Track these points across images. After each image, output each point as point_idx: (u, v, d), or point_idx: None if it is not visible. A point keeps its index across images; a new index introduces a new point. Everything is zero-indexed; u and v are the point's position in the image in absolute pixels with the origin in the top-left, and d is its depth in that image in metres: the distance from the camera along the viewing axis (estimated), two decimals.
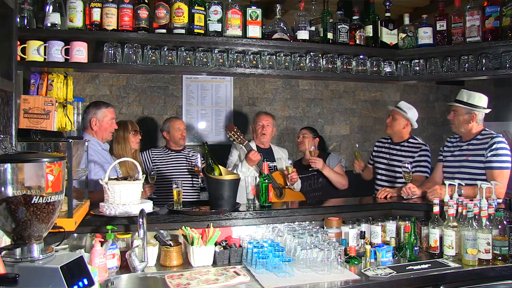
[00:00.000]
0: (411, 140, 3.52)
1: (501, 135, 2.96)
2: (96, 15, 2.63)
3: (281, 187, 3.61)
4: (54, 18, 2.55)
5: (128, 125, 3.44)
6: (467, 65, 3.03)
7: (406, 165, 3.03)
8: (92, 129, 2.96)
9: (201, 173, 3.43)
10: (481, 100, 2.97)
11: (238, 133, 3.48)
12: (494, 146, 2.85)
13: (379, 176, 3.61)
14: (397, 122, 3.48)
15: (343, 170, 3.87)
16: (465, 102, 2.97)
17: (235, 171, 3.43)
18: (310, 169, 3.66)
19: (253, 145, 3.70)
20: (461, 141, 3.07)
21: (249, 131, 4.09)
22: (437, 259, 2.42)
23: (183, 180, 3.51)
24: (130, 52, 2.69)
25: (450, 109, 3.07)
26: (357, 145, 3.73)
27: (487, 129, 3.01)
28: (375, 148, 3.73)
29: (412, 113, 3.49)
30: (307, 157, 3.70)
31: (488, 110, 2.99)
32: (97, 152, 2.93)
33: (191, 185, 3.81)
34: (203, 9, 2.81)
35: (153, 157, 3.84)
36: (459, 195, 2.60)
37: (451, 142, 3.17)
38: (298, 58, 3.00)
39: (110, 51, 2.65)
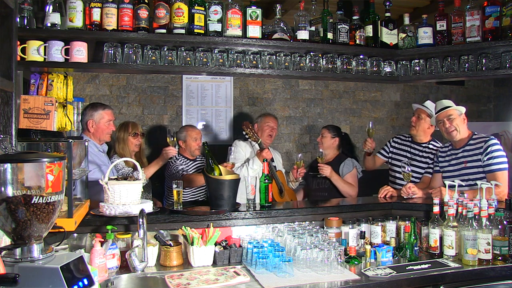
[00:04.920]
0: (432, 142, 3.50)
1: (492, 136, 3.00)
2: (96, 15, 2.63)
3: (281, 186, 3.64)
4: (54, 18, 2.55)
5: (129, 127, 3.44)
6: (467, 65, 3.02)
7: (405, 166, 3.05)
8: (89, 130, 2.97)
9: None
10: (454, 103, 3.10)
11: (253, 131, 3.55)
12: (489, 149, 2.88)
13: (397, 174, 3.54)
14: (422, 121, 3.46)
15: (356, 179, 3.73)
16: (453, 106, 3.03)
17: (244, 168, 3.45)
18: (318, 175, 3.64)
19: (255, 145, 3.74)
20: (454, 148, 3.08)
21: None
22: (437, 259, 2.42)
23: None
24: (130, 52, 2.69)
25: (440, 119, 3.05)
26: (370, 124, 3.62)
27: (476, 133, 3.05)
28: (394, 144, 3.68)
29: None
30: (319, 161, 3.67)
31: (465, 109, 3.08)
32: (94, 154, 2.93)
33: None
34: (203, 9, 2.80)
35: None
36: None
37: (444, 152, 3.17)
38: (298, 58, 2.99)
39: (110, 51, 2.65)
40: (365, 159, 3.74)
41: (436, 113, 3.11)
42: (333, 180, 3.63)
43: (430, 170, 3.34)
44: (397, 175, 3.54)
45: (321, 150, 3.66)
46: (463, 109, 3.05)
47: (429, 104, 3.47)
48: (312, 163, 4.00)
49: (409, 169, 3.09)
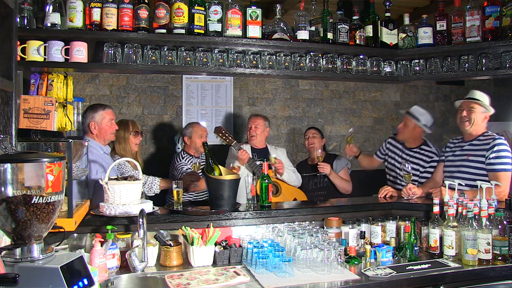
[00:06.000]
0: (423, 146, 3.47)
1: (503, 137, 2.95)
2: (96, 15, 2.63)
3: (276, 184, 3.63)
4: (54, 18, 2.55)
5: (130, 125, 3.44)
6: (467, 65, 3.02)
7: (406, 166, 3.04)
8: (92, 132, 2.95)
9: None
10: (488, 101, 2.99)
11: (227, 135, 3.59)
12: (496, 148, 2.83)
13: (391, 178, 3.59)
14: (409, 129, 3.44)
15: (348, 174, 3.89)
16: (481, 101, 2.95)
17: None
18: (318, 174, 3.71)
19: (248, 146, 3.75)
20: (463, 141, 3.06)
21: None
22: (437, 259, 2.42)
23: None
24: (130, 52, 2.69)
25: (461, 106, 3.00)
26: (350, 130, 3.78)
27: (489, 132, 3.01)
28: (389, 146, 3.68)
29: (425, 119, 3.42)
30: (315, 161, 3.73)
31: (493, 111, 3.00)
32: (99, 156, 2.92)
33: None
34: (203, 9, 2.80)
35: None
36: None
37: (454, 143, 3.15)
38: (298, 58, 3.00)
39: (110, 51, 2.65)
40: (358, 161, 3.81)
41: (463, 99, 3.03)
42: (331, 178, 3.72)
43: (429, 175, 3.31)
44: (391, 178, 3.57)
45: (319, 150, 3.73)
46: (490, 110, 2.95)
47: (415, 109, 3.45)
48: (304, 164, 4.02)
49: (410, 169, 3.07)
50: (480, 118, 2.96)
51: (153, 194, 3.33)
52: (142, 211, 2.10)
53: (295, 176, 3.76)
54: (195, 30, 2.78)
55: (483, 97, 2.98)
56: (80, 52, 2.57)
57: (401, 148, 3.56)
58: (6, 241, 1.63)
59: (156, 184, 3.30)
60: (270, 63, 2.95)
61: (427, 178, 3.31)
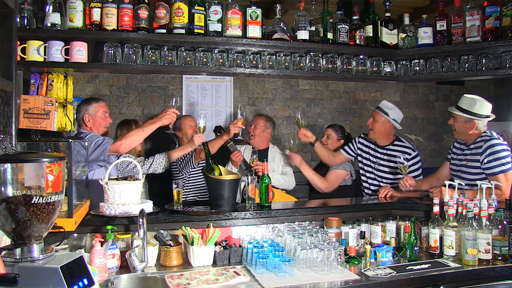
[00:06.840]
0: (396, 142, 3.37)
1: (496, 136, 2.87)
2: (96, 15, 2.63)
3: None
4: (54, 18, 2.55)
5: (133, 125, 3.45)
6: (467, 65, 3.03)
7: (402, 158, 3.01)
8: (86, 125, 2.94)
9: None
10: (482, 108, 2.86)
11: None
12: (488, 151, 2.77)
13: (364, 178, 3.50)
14: (378, 124, 3.33)
15: (338, 178, 3.66)
16: (464, 110, 2.87)
17: None
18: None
19: (249, 147, 3.77)
20: (465, 145, 3.00)
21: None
22: (437, 259, 2.42)
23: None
24: (130, 52, 2.69)
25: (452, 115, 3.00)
26: (299, 115, 3.52)
27: (486, 132, 2.90)
28: (360, 146, 3.51)
29: (395, 114, 3.32)
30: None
31: (490, 118, 2.89)
32: (102, 137, 2.92)
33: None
34: (203, 9, 2.81)
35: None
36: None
37: (460, 143, 3.07)
38: (298, 58, 3.00)
39: (110, 51, 2.66)
40: (315, 151, 3.60)
41: (456, 105, 2.98)
42: (302, 170, 3.56)
43: (413, 174, 3.19)
44: (369, 180, 3.45)
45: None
46: (475, 119, 2.84)
47: (385, 104, 3.37)
48: (321, 165, 3.99)
49: (406, 162, 3.03)
50: (464, 127, 2.90)
51: (163, 171, 3.27)
52: (142, 211, 2.10)
53: (282, 179, 3.66)
54: (195, 30, 2.79)
55: (472, 105, 2.86)
56: (80, 52, 2.57)
57: (373, 148, 3.43)
58: (6, 241, 1.63)
59: (164, 158, 3.24)
60: (270, 63, 2.95)
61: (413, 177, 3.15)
